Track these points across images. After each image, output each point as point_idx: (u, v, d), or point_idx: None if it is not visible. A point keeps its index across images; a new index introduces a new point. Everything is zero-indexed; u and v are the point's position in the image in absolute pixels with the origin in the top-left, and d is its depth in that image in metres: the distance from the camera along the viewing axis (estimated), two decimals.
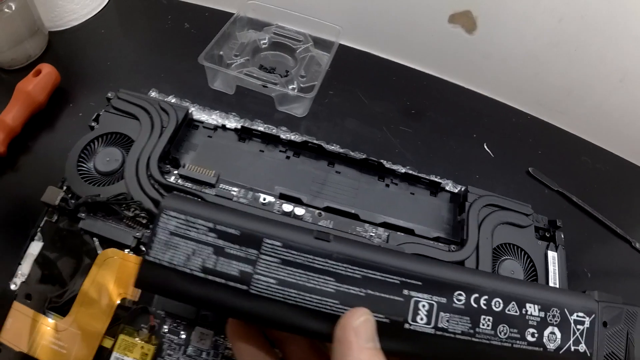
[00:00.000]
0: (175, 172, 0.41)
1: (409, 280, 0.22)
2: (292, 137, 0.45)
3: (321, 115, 0.52)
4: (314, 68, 0.52)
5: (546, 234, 0.45)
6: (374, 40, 0.61)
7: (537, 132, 0.59)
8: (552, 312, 0.23)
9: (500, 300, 0.22)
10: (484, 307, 0.22)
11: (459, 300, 0.22)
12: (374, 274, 0.22)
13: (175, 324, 0.35)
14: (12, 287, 0.37)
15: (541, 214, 0.45)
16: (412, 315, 0.22)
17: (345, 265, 0.22)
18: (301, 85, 0.50)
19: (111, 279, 0.36)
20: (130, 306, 0.35)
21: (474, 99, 0.61)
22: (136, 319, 0.35)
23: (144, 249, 0.38)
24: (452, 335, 0.22)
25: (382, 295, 0.22)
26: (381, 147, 0.51)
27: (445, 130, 0.55)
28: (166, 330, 0.35)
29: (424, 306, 0.22)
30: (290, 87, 0.50)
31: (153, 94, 0.48)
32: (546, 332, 0.23)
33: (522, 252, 0.44)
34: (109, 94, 0.45)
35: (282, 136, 0.44)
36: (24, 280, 0.38)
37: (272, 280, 0.21)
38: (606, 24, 0.51)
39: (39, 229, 0.40)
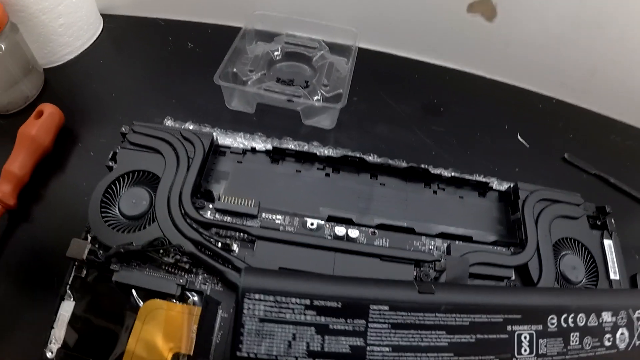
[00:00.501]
0: (211, 206, 0.38)
1: (511, 316, 0.22)
2: (328, 152, 0.41)
3: (349, 124, 0.49)
4: (335, 75, 0.49)
5: (597, 221, 0.43)
6: (390, 40, 0.58)
7: (564, 116, 0.57)
8: (621, 315, 0.24)
9: (583, 315, 0.23)
10: (572, 325, 0.23)
11: (552, 324, 0.23)
12: (480, 317, 0.21)
13: None
14: (49, 354, 0.34)
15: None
16: (517, 349, 0.22)
17: (453, 315, 0.21)
18: (325, 94, 0.47)
19: (158, 333, 0.33)
20: None
21: (498, 88, 0.58)
22: None
23: (189, 295, 0.35)
24: (550, 359, 0.22)
25: (490, 336, 0.21)
26: (418, 151, 0.48)
27: (475, 124, 0.53)
28: None
29: (525, 337, 0.22)
30: (315, 98, 0.46)
31: (169, 122, 0.45)
32: (618, 334, 0.24)
33: (580, 245, 0.41)
34: (123, 128, 0.41)
35: (318, 152, 0.41)
36: (59, 346, 0.34)
37: (386, 349, 0.20)
38: None
39: (67, 286, 0.36)
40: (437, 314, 0.21)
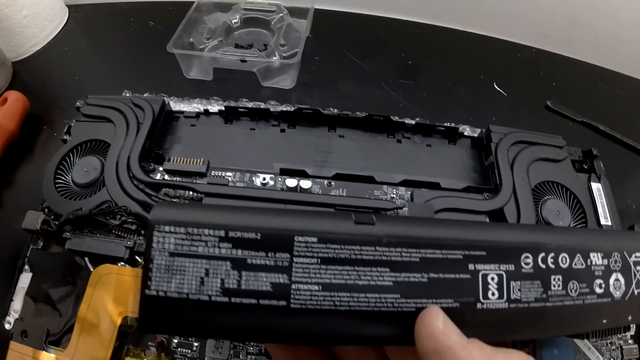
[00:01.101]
0: (161, 168, 0.37)
1: (472, 253, 0.18)
2: (284, 109, 0.40)
3: (312, 84, 0.48)
4: (294, 35, 0.48)
5: (584, 165, 0.40)
6: None
7: (546, 65, 0.54)
8: (614, 257, 0.21)
9: (566, 256, 0.20)
10: (552, 266, 0.19)
11: (527, 264, 0.19)
12: (434, 253, 0.18)
13: (185, 337, 0.30)
14: (7, 326, 0.33)
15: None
16: (482, 292, 0.18)
17: (398, 249, 0.18)
18: (283, 54, 0.45)
19: (109, 298, 0.32)
20: (133, 324, 0.31)
21: (474, 40, 0.56)
22: (142, 338, 0.31)
23: (139, 258, 0.34)
24: (526, 305, 0.19)
25: (447, 276, 0.18)
26: (384, 105, 0.46)
27: (448, 78, 0.50)
28: (176, 344, 0.30)
29: (493, 279, 0.18)
30: (273, 58, 0.45)
31: (127, 95, 0.44)
32: (611, 280, 0.21)
33: (564, 189, 0.38)
34: (78, 103, 0.41)
35: (272, 109, 0.40)
36: (17, 317, 0.34)
37: (315, 287, 0.17)
38: None
39: (25, 259, 0.36)
40: (377, 248, 0.18)
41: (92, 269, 0.34)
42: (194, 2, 0.51)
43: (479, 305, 0.18)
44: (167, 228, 0.17)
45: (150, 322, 0.17)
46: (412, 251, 0.18)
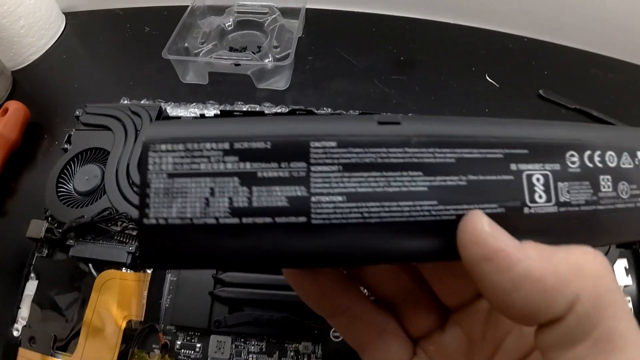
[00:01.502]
0: None
1: (513, 151, 0.16)
2: (278, 110, 0.41)
3: (306, 84, 0.48)
4: (287, 36, 0.48)
5: None
6: None
7: (537, 54, 0.54)
8: None
9: (612, 154, 0.17)
10: (600, 165, 0.17)
11: (573, 162, 0.17)
12: (470, 153, 0.15)
13: (188, 337, 0.31)
14: (15, 333, 0.35)
15: None
16: (529, 195, 0.16)
17: (430, 149, 0.15)
18: (276, 56, 0.46)
19: (113, 302, 0.33)
20: (137, 327, 0.32)
21: (464, 33, 0.56)
22: (146, 340, 0.32)
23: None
24: (577, 209, 0.16)
25: (488, 178, 0.16)
26: (377, 101, 0.46)
27: (441, 72, 0.51)
28: (179, 345, 0.31)
29: (538, 180, 0.16)
30: (266, 60, 0.46)
31: (125, 102, 0.45)
32: None
33: None
34: (77, 112, 0.42)
35: (267, 111, 0.40)
36: (25, 324, 0.35)
37: (338, 198, 0.15)
38: None
39: (31, 267, 0.37)
40: (406, 149, 0.15)
41: (95, 275, 0.35)
42: (188, 6, 0.51)
43: (526, 210, 0.16)
44: (163, 147, 0.15)
45: (151, 256, 0.15)
46: (446, 151, 0.15)
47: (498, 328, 0.17)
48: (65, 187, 0.38)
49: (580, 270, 0.13)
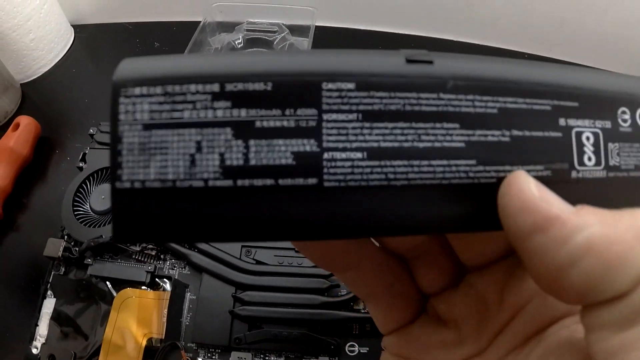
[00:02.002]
0: None
1: (563, 103, 0.13)
2: None
3: None
4: None
5: None
6: (350, 14, 0.57)
7: None
8: None
9: None
10: None
11: (625, 120, 0.14)
12: (515, 102, 0.13)
13: (209, 354, 0.32)
14: (34, 351, 0.35)
15: None
16: (577, 156, 0.13)
17: (470, 96, 0.13)
18: None
19: (133, 320, 0.34)
20: (158, 345, 0.33)
21: (467, 50, 0.57)
22: (167, 357, 0.33)
23: (159, 282, 0.36)
24: (625, 175, 0.14)
25: (534, 134, 0.13)
26: None
27: None
28: None
29: (588, 139, 0.14)
30: None
31: None
32: None
33: None
34: (91, 130, 0.42)
35: None
36: (44, 341, 0.35)
37: (357, 155, 0.12)
38: None
39: (48, 285, 0.37)
40: (441, 95, 0.12)
41: (114, 293, 0.35)
42: (198, 22, 0.52)
43: (574, 174, 0.13)
44: (137, 90, 0.12)
45: (127, 227, 0.12)
46: (487, 99, 0.13)
47: (519, 294, 0.15)
48: (82, 206, 0.39)
49: None
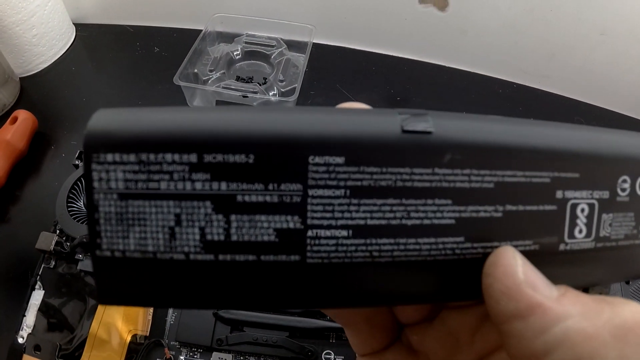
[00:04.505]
0: None
1: (563, 174, 0.13)
2: None
3: None
4: (292, 71, 0.51)
5: None
6: (347, 34, 0.60)
7: (525, 100, 0.58)
8: None
9: None
10: None
11: (624, 190, 0.14)
12: (514, 175, 0.12)
13: (191, 353, 0.34)
14: (20, 340, 0.36)
15: None
16: (568, 229, 0.13)
17: (466, 170, 0.12)
18: (282, 90, 0.49)
19: (119, 316, 0.35)
20: (143, 342, 0.34)
21: (457, 76, 0.60)
22: (150, 354, 0.34)
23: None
24: (614, 244, 0.14)
25: (528, 208, 0.13)
26: None
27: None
28: None
29: (582, 211, 0.13)
30: (271, 93, 0.49)
31: None
32: None
33: None
34: None
35: None
36: (30, 331, 0.36)
37: (342, 233, 0.12)
38: None
39: (37, 277, 0.38)
40: (436, 170, 0.12)
41: None
42: (198, 30, 0.54)
43: (561, 247, 0.13)
44: (109, 157, 0.11)
45: (111, 293, 0.12)
46: (484, 173, 0.12)
47: (490, 340, 0.15)
48: (76, 203, 0.40)
49: (626, 335, 0.11)
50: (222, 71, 0.50)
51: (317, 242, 0.12)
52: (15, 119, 0.48)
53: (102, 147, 0.11)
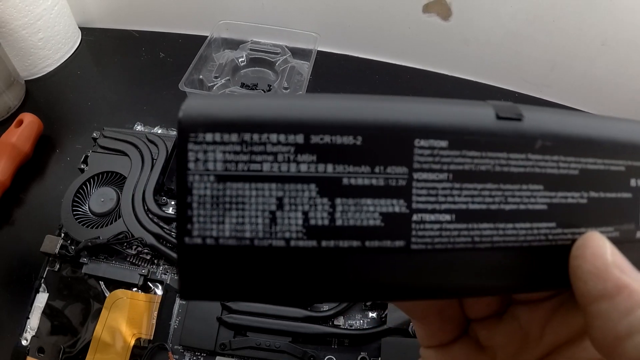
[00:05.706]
0: (173, 202, 0.40)
1: (636, 163, 0.13)
2: None
3: None
4: (296, 78, 0.52)
5: None
6: (351, 42, 0.60)
7: None
8: None
9: None
10: None
11: None
12: (595, 163, 0.13)
13: (195, 357, 0.34)
14: (24, 342, 0.36)
15: None
16: None
17: (555, 157, 0.12)
18: None
19: (123, 320, 0.35)
20: (146, 345, 0.35)
21: (460, 85, 0.60)
22: (154, 358, 0.34)
23: (151, 285, 0.38)
24: None
25: (607, 195, 0.13)
26: None
27: None
28: None
29: None
30: None
31: (138, 127, 0.48)
32: None
33: None
34: (94, 134, 0.44)
35: None
36: (34, 334, 0.37)
37: (446, 217, 0.12)
38: None
39: (42, 280, 0.39)
40: (529, 156, 0.12)
41: (107, 293, 0.37)
42: (203, 36, 0.54)
43: (638, 234, 0.13)
44: (209, 136, 0.11)
45: (195, 286, 0.11)
46: (570, 160, 0.13)
47: (560, 333, 0.15)
48: (81, 207, 0.40)
49: None
50: (227, 78, 0.51)
51: (421, 226, 0.12)
52: (20, 122, 0.49)
53: (201, 127, 0.11)
